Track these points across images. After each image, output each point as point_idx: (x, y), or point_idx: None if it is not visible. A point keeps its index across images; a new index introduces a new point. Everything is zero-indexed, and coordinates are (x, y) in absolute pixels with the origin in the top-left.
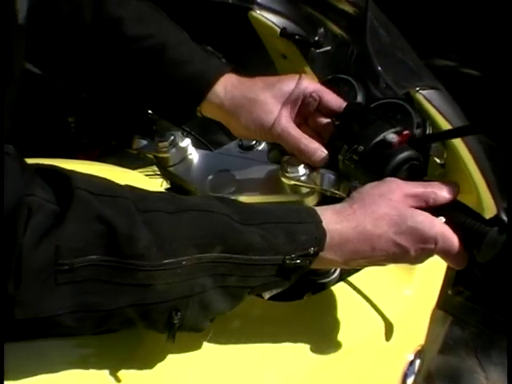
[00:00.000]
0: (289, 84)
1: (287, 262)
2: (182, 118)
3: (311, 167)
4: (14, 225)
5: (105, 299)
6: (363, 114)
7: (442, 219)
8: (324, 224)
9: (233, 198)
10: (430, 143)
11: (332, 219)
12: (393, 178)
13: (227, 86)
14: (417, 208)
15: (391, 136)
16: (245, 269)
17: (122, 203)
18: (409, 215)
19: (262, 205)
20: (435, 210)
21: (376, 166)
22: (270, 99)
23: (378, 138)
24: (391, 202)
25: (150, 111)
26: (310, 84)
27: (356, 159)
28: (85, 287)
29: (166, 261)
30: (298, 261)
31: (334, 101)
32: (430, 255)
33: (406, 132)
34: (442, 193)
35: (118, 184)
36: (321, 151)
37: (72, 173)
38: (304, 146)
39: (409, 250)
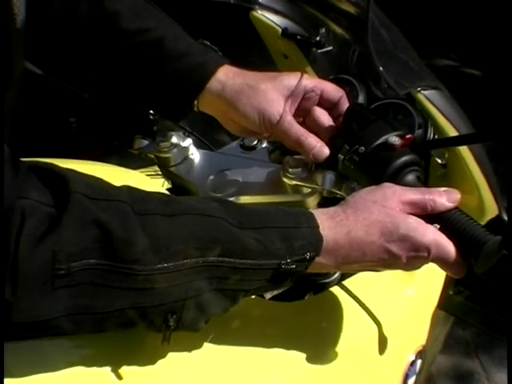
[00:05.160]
0: (290, 79)
1: (282, 266)
2: (179, 112)
3: (312, 167)
4: (7, 230)
5: (101, 302)
6: (365, 115)
7: (437, 226)
8: (320, 229)
9: (234, 198)
10: (432, 149)
11: (327, 224)
12: (390, 184)
13: (228, 73)
14: (414, 215)
15: (394, 139)
16: (240, 272)
17: (118, 207)
18: (401, 222)
19: (259, 207)
20: (434, 217)
21: (376, 167)
22: (271, 89)
23: (380, 140)
24: (384, 209)
25: (150, 111)
26: (310, 80)
27: (356, 160)
28: (81, 291)
29: (162, 265)
30: (294, 266)
31: (334, 91)
32: (425, 263)
33: (408, 136)
34: (442, 200)
35: (115, 186)
36: (322, 146)
37: (69, 174)
38: (305, 139)
39: (400, 258)
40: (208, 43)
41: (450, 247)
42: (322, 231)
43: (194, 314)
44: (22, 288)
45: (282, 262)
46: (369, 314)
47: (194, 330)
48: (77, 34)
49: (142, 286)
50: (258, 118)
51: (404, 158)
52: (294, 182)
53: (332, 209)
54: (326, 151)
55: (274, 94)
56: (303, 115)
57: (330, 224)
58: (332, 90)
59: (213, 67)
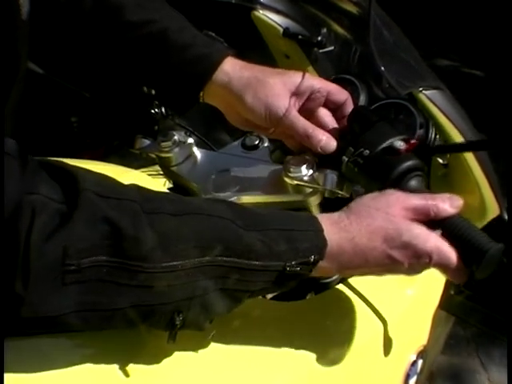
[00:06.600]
0: (298, 76)
1: (287, 269)
2: (185, 103)
3: (313, 167)
4: (16, 225)
5: (110, 299)
6: (369, 117)
7: (439, 232)
8: (325, 233)
9: (235, 197)
10: (437, 154)
11: (330, 229)
12: (393, 191)
13: (236, 65)
14: (417, 221)
15: (399, 143)
16: (245, 273)
17: (128, 205)
18: (404, 229)
19: (264, 210)
20: (436, 223)
21: (380, 171)
22: (279, 84)
23: (384, 144)
24: (387, 216)
25: (151, 110)
26: (317, 80)
27: (361, 163)
28: (90, 287)
29: (170, 263)
30: (298, 268)
31: (340, 93)
32: (426, 268)
33: (413, 141)
34: (444, 206)
35: (124, 185)
36: (329, 138)
37: (79, 172)
38: (312, 131)
39: (402, 264)
40: (213, 34)
41: (451, 254)
42: (326, 235)
43: (199, 313)
44: (32, 283)
45: (287, 264)
46: (370, 314)
47: (199, 329)
48: (81, 27)
49: (150, 284)
50: (264, 111)
51: (408, 163)
52: (296, 182)
53: (335, 214)
54: (334, 144)
55: (281, 88)
56: (308, 116)
57: (333, 229)
58: (338, 92)
59: (218, 57)
